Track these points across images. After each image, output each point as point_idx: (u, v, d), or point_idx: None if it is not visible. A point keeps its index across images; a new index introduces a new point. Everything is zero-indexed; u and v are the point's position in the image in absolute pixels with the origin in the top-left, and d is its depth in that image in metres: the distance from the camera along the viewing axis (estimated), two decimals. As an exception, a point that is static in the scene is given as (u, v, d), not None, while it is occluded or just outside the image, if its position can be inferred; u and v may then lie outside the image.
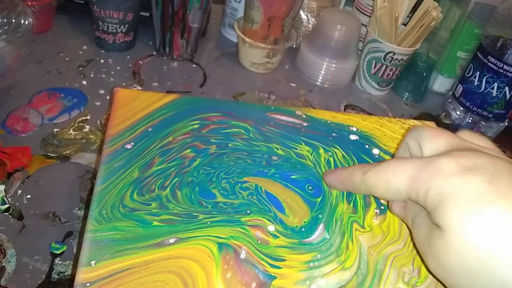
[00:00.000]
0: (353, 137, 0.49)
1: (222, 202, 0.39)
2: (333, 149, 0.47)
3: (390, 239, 0.39)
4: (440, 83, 0.87)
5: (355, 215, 0.41)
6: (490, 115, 0.75)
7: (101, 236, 0.34)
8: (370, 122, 0.52)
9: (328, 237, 0.38)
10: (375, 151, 0.48)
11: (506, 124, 0.77)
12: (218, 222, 0.37)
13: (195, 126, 0.45)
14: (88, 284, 0.31)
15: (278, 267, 0.35)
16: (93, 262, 0.32)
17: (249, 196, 0.40)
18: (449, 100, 0.80)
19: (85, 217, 0.49)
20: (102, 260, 0.32)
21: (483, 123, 0.76)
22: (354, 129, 0.50)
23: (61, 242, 0.47)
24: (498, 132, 0.77)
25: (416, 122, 0.54)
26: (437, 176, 0.30)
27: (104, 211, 0.35)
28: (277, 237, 0.37)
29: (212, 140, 0.44)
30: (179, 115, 0.46)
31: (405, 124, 0.53)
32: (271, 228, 0.38)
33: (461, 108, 0.77)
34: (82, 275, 0.31)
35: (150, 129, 0.44)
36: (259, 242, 0.36)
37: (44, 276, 0.44)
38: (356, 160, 0.46)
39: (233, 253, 0.35)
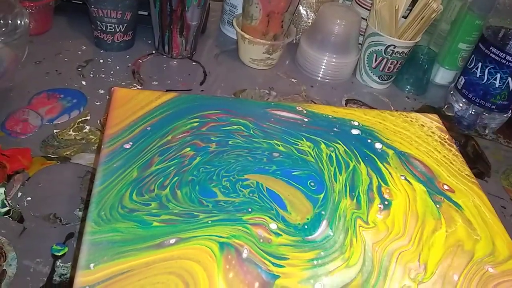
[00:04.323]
0: (354, 131, 0.48)
1: (223, 201, 0.38)
2: (335, 144, 0.46)
3: (395, 234, 0.39)
4: (442, 76, 0.86)
5: (358, 210, 0.40)
6: (493, 106, 0.74)
7: (100, 238, 0.33)
8: (371, 116, 0.51)
9: (331, 234, 0.38)
10: (378, 145, 0.47)
11: (510, 115, 0.76)
12: (219, 221, 0.36)
13: (195, 124, 0.45)
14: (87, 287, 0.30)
15: (281, 266, 0.34)
16: (92, 264, 0.32)
17: (250, 194, 0.39)
18: (451, 92, 0.79)
19: (85, 219, 0.48)
20: (102, 263, 0.32)
21: (486, 114, 0.75)
22: (356, 123, 0.49)
23: (63, 244, 0.46)
24: (502, 123, 0.77)
25: (419, 115, 0.53)
26: None
27: (103, 213, 0.35)
28: (280, 235, 0.37)
29: (212, 138, 0.44)
30: (178, 113, 0.46)
31: (407, 117, 0.52)
32: (273, 226, 0.37)
33: (464, 100, 0.76)
34: (81, 278, 0.31)
35: (149, 128, 0.43)
36: (261, 240, 0.36)
37: (45, 279, 0.43)
38: (358, 155, 0.46)
39: (235, 252, 0.34)
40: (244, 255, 0.34)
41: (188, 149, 0.42)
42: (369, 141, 0.48)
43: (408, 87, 0.83)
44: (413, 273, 0.37)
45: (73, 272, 0.43)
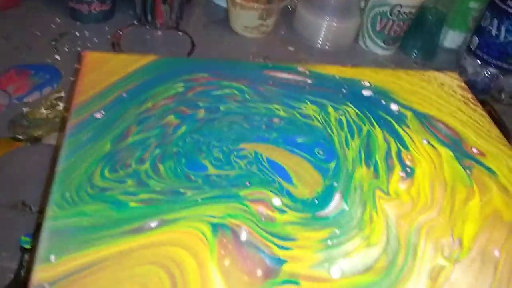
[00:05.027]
0: (366, 92, 0.42)
1: (214, 175, 0.32)
2: (344, 107, 0.40)
3: (422, 206, 0.33)
4: (451, 39, 0.80)
5: (377, 180, 0.34)
6: (511, 67, 0.67)
7: (64, 224, 0.27)
8: (384, 75, 0.45)
9: (347, 208, 0.31)
10: (394, 106, 0.41)
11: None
12: (211, 199, 0.30)
13: (180, 89, 0.38)
14: (46, 285, 0.24)
15: (288, 248, 0.28)
16: (53, 256, 0.25)
17: (248, 166, 0.33)
18: (463, 55, 0.73)
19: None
20: (65, 254, 0.25)
21: (502, 77, 0.69)
22: (367, 83, 0.43)
23: (32, 235, 0.40)
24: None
25: (437, 74, 0.47)
26: None
27: (68, 194, 0.29)
28: (285, 212, 0.30)
29: (200, 104, 0.37)
30: (160, 78, 0.39)
31: (424, 75, 0.46)
32: (277, 201, 0.31)
33: (478, 62, 0.70)
34: (39, 274, 0.25)
35: (124, 95, 0.37)
36: (263, 219, 0.29)
37: (13, 275, 0.37)
38: (372, 118, 0.39)
39: (232, 234, 0.28)
40: (243, 237, 0.28)
41: (172, 117, 0.36)
42: (383, 102, 0.41)
43: (416, 52, 0.76)
44: (447, 250, 0.30)
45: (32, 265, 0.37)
